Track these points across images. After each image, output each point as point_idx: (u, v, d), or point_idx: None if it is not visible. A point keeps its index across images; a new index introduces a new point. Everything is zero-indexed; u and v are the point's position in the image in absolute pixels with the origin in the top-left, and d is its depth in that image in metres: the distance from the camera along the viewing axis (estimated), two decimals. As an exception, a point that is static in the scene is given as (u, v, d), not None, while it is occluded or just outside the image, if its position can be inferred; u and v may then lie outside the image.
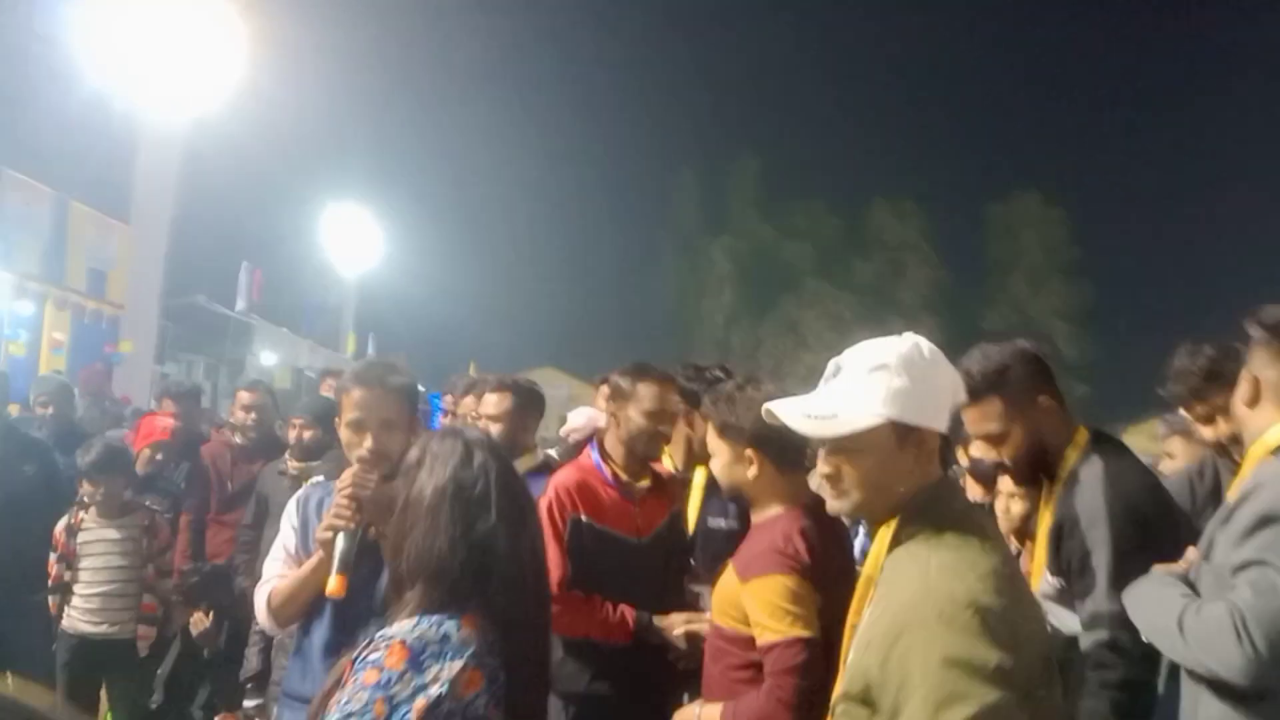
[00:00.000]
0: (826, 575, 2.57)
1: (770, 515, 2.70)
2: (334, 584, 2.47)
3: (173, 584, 4.81)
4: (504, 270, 32.68)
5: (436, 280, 28.91)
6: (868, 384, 1.79)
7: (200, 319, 20.02)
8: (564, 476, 3.38)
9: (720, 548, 3.31)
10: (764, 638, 2.53)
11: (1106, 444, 2.67)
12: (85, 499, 4.41)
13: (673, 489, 3.61)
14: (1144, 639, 2.27)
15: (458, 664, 1.82)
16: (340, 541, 2.50)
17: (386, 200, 29.14)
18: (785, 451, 2.69)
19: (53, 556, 4.37)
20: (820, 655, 2.47)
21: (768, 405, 1.88)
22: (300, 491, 2.89)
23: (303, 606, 2.64)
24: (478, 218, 34.57)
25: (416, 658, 1.81)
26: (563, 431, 4.31)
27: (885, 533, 1.84)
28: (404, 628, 1.85)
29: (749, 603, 2.56)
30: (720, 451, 2.76)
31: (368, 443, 2.65)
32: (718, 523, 3.59)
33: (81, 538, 4.36)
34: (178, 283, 16.74)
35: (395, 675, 1.79)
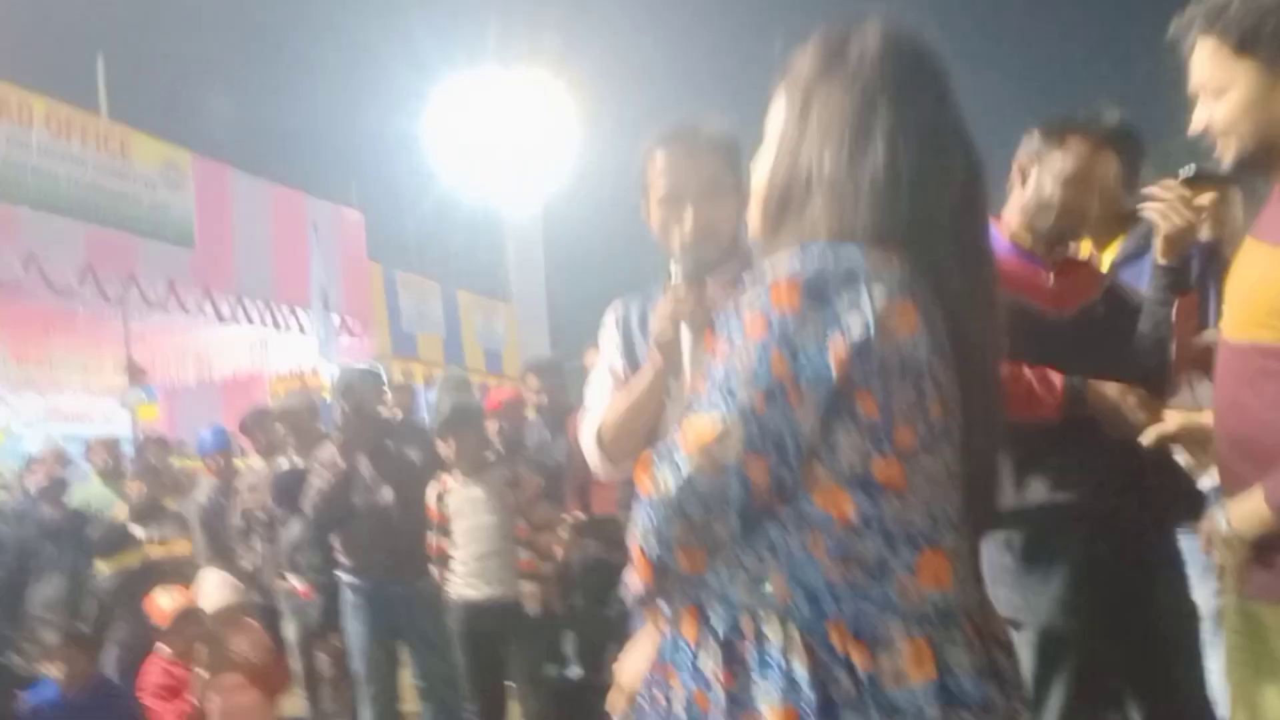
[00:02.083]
0: None
1: None
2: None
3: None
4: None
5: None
6: None
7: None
8: None
9: None
10: None
11: None
12: (445, 461, 4.39)
13: (1096, 268, 2.83)
14: None
15: (881, 291, 1.25)
16: (686, 336, 1.94)
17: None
18: None
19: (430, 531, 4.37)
20: None
21: None
22: (615, 305, 2.40)
23: (641, 435, 2.12)
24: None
25: (819, 292, 1.26)
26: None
27: None
28: (786, 262, 1.30)
29: None
30: (1242, 85, 1.87)
31: (689, 217, 2.11)
32: None
33: (449, 501, 4.34)
34: (563, 349, 17.64)
35: (792, 320, 1.25)
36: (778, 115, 1.48)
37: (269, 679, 4.53)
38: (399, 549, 4.53)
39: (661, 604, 1.42)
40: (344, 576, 4.65)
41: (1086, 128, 2.65)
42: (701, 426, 1.28)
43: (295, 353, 12.54)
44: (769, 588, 1.31)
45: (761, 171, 1.49)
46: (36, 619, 4.79)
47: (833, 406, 1.28)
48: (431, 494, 4.38)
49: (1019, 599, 2.48)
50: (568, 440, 5.38)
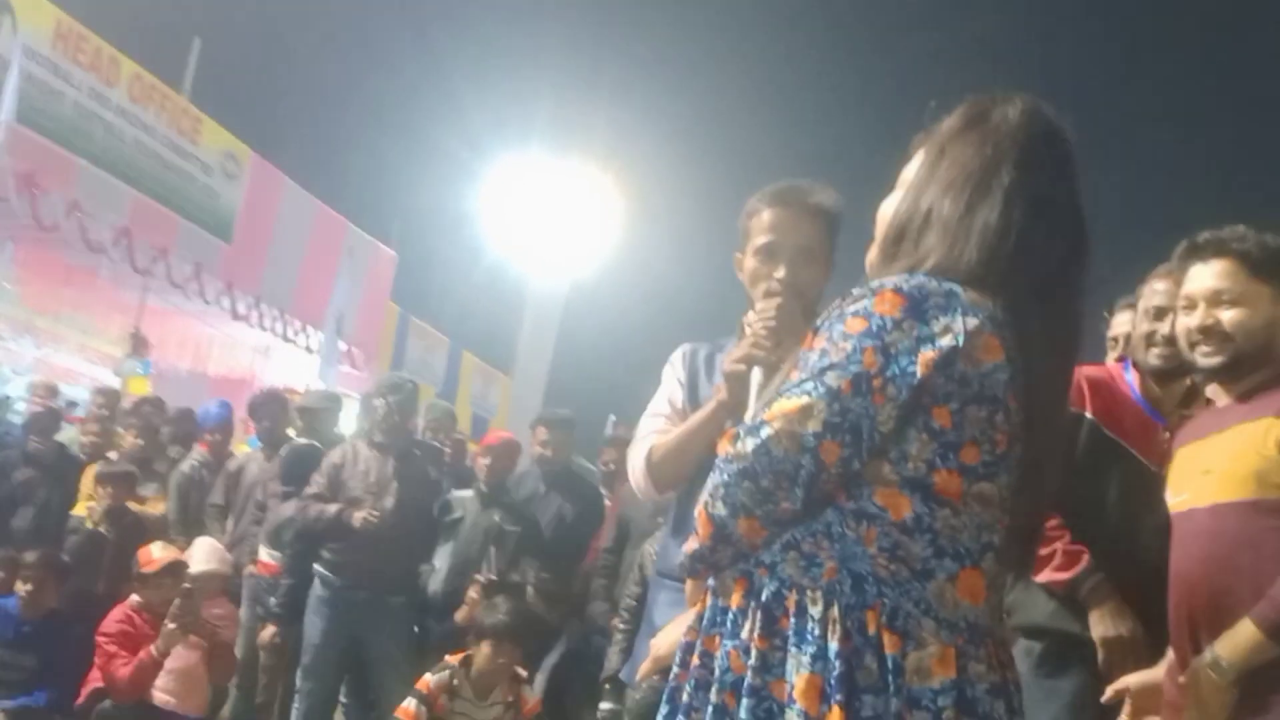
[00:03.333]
0: None
1: None
2: None
3: None
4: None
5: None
6: None
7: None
8: (1088, 369, 2.79)
9: None
10: None
11: None
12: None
13: None
14: None
15: (973, 320, 1.37)
16: (756, 377, 1.98)
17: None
18: None
19: None
20: None
21: None
22: (685, 346, 2.50)
23: (691, 462, 2.21)
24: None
25: (918, 305, 1.38)
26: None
27: None
28: (894, 278, 1.42)
29: None
30: (1256, 301, 2.20)
31: (780, 272, 2.20)
32: None
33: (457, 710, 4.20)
34: (550, 434, 17.54)
35: (891, 321, 1.37)
36: (913, 166, 1.61)
37: (220, 662, 4.48)
38: (382, 557, 4.52)
39: (710, 575, 1.48)
40: (319, 569, 4.62)
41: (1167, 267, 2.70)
42: (788, 403, 1.37)
43: (293, 368, 12.58)
44: (819, 569, 1.38)
45: (885, 209, 1.62)
46: (21, 537, 4.79)
47: (910, 413, 1.37)
48: (437, 683, 4.08)
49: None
50: (560, 499, 5.41)
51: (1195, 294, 2.25)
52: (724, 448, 1.40)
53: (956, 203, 1.48)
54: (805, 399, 1.36)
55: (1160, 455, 2.60)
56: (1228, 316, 2.20)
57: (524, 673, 4.26)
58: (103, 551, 4.92)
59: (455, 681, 4.05)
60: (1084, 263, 1.54)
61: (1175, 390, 2.66)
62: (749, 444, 1.37)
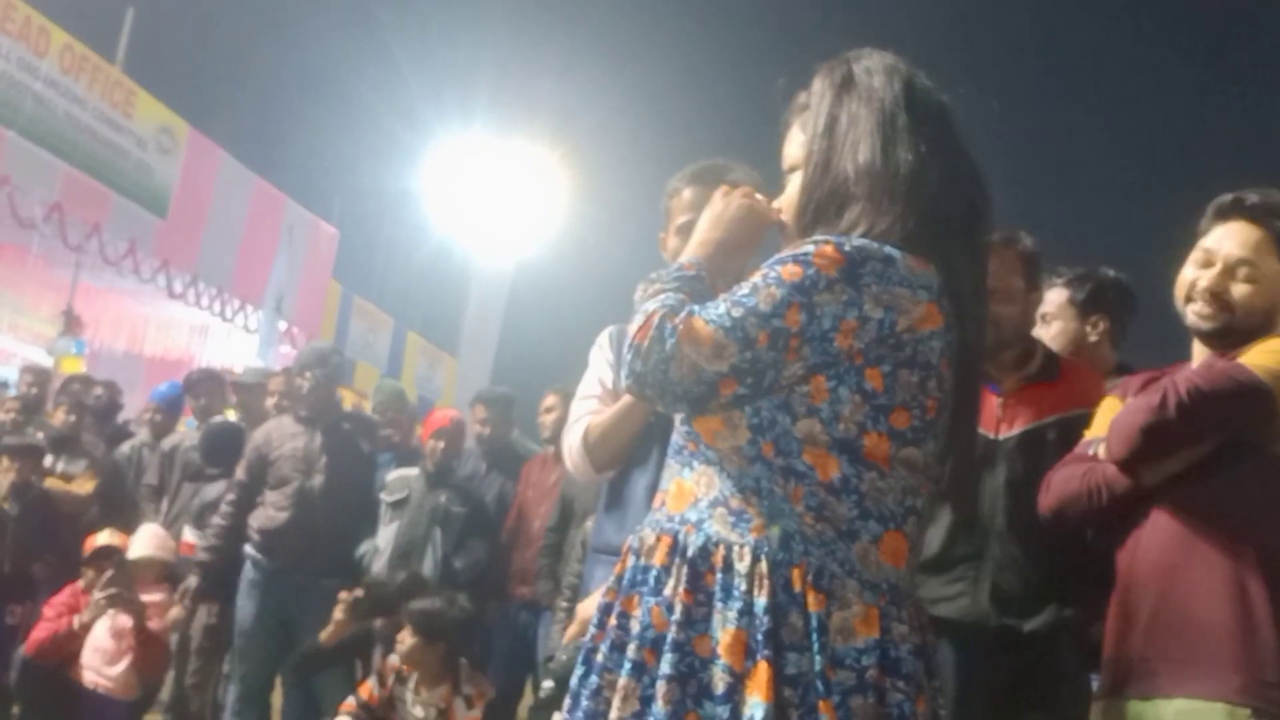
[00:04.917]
0: None
1: None
2: None
3: None
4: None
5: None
6: None
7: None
8: None
9: None
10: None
11: None
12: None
13: (1070, 392, 2.65)
14: None
15: (904, 290, 1.38)
16: None
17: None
18: None
19: None
20: (1263, 411, 1.99)
21: None
22: (611, 328, 2.51)
23: (626, 441, 2.26)
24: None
25: (854, 269, 1.37)
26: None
27: None
28: (837, 236, 1.42)
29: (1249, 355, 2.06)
30: (1270, 281, 2.19)
31: None
32: None
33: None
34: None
35: (824, 280, 1.37)
36: (796, 145, 1.60)
37: (148, 653, 4.37)
38: (314, 537, 4.42)
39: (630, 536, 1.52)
40: (250, 550, 4.52)
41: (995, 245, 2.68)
42: (702, 329, 1.38)
43: (232, 348, 12.37)
44: (747, 525, 1.39)
45: (792, 191, 1.60)
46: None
47: (843, 375, 1.39)
48: (389, 665, 4.00)
49: None
50: (501, 478, 5.36)
51: (1217, 253, 2.22)
52: (639, 325, 1.42)
53: (872, 155, 1.48)
54: (720, 334, 1.37)
55: (994, 420, 2.59)
56: (1238, 290, 2.19)
57: (473, 696, 4.07)
58: (4, 529, 4.78)
59: (405, 666, 3.99)
60: (987, 198, 1.57)
61: (1005, 359, 2.65)
62: (651, 355, 1.39)
